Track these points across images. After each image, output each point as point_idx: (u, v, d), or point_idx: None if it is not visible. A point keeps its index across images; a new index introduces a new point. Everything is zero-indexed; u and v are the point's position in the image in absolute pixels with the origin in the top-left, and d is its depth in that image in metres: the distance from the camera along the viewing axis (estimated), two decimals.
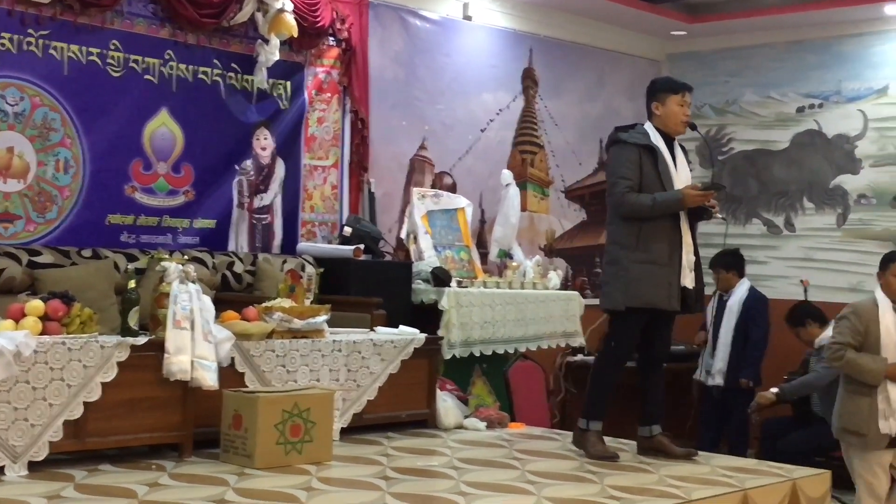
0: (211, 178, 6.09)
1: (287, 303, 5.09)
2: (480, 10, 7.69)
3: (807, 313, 6.94)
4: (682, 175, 5.04)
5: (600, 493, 4.09)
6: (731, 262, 7.65)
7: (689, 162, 5.23)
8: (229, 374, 4.67)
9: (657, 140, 4.99)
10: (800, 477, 4.59)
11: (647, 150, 4.94)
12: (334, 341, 5.16)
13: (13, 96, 5.29)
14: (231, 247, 6.18)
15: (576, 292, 7.36)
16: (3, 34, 5.26)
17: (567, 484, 4.27)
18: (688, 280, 4.96)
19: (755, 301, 7.63)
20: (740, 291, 7.56)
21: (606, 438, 5.00)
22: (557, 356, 7.93)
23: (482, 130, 7.78)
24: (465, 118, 7.64)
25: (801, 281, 7.96)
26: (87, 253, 5.36)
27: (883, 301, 5.41)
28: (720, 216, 5.22)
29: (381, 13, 7.04)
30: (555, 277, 7.23)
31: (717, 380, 7.52)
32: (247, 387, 4.76)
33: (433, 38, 7.40)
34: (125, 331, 4.44)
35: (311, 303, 5.25)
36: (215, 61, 6.10)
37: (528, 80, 8.14)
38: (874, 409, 5.25)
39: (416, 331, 5.66)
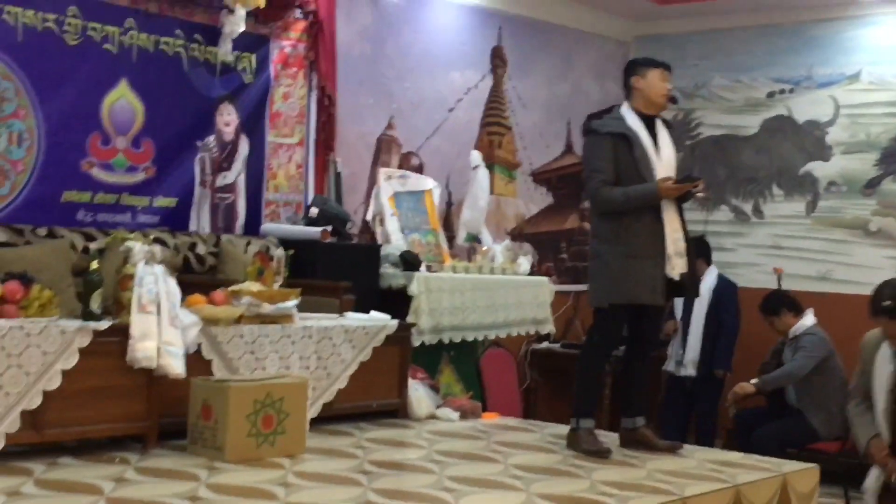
0: (172, 155, 5.81)
1: (256, 286, 4.88)
2: None
3: (782, 302, 6.86)
4: (666, 157, 4.82)
5: (591, 490, 3.94)
6: (698, 250, 7.52)
7: (673, 138, 5.04)
8: (195, 362, 4.44)
9: (634, 124, 4.78)
10: (789, 472, 4.49)
11: (621, 139, 4.74)
12: (305, 327, 4.95)
13: None
14: (192, 227, 5.92)
15: (546, 278, 7.21)
16: None
17: (555, 479, 4.12)
18: (677, 268, 4.75)
19: (725, 288, 7.55)
20: (709, 279, 7.47)
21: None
22: (523, 343, 7.80)
23: (450, 110, 7.59)
24: (432, 97, 7.44)
25: (774, 269, 7.89)
26: (42, 231, 5.06)
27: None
28: (703, 195, 5.03)
29: None
30: (525, 263, 7.08)
31: (690, 370, 7.45)
32: (214, 375, 4.54)
33: (401, 13, 7.18)
34: (87, 315, 4.21)
35: (281, 286, 5.04)
36: (178, 31, 5.82)
37: (497, 59, 7.96)
38: None
39: (388, 317, 5.48)
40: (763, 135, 8.55)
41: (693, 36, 8.86)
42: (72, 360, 4.05)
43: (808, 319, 6.72)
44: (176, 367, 4.25)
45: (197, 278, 5.44)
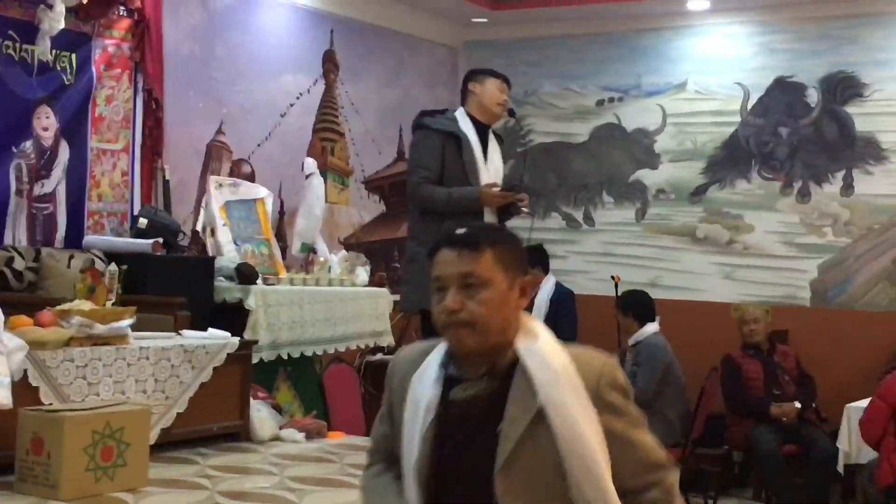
0: None
1: (87, 305, 4.52)
2: None
3: (632, 303, 6.77)
4: (493, 167, 4.72)
5: None
6: (535, 259, 7.47)
7: (503, 153, 4.94)
8: (21, 390, 4.03)
9: (467, 127, 4.66)
10: None
11: (452, 138, 4.61)
12: (141, 348, 4.61)
13: None
14: (8, 240, 5.46)
15: (384, 289, 7.03)
16: None
17: None
18: None
19: (562, 296, 7.54)
20: (547, 288, 7.44)
21: None
22: (357, 355, 7.60)
23: (282, 115, 7.32)
24: (264, 101, 7.16)
25: (613, 277, 7.94)
26: None
27: None
28: (526, 211, 4.89)
29: None
30: (363, 273, 6.87)
31: None
32: (43, 403, 4.16)
33: (232, 13, 6.87)
34: None
35: (114, 304, 4.68)
36: None
37: (329, 64, 7.73)
38: None
39: (227, 334, 5.18)
40: (593, 142, 8.63)
41: (523, 43, 8.86)
42: None
43: (650, 327, 6.74)
44: (2, 397, 3.85)
45: (15, 296, 5.00)
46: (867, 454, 5.93)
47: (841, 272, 7.76)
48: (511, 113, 4.83)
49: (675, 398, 6.58)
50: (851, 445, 6.00)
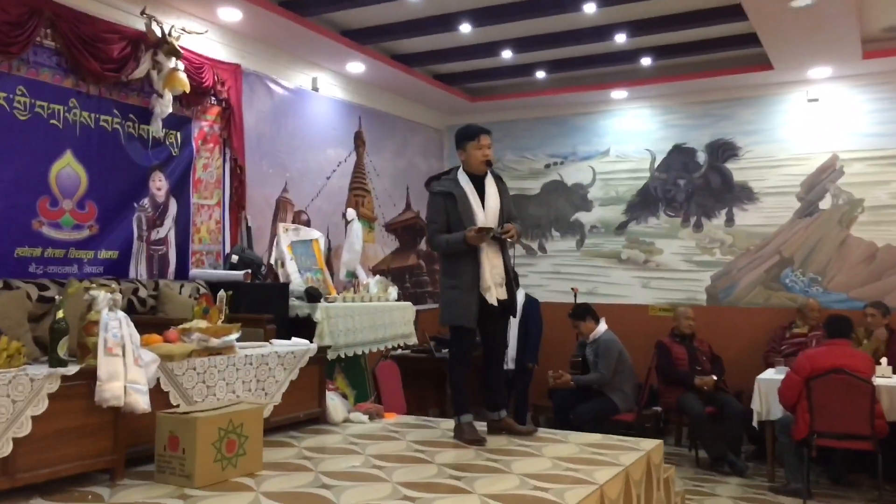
0: (113, 214, 4.55)
1: (202, 323, 3.73)
2: (324, 83, 6.51)
3: (587, 311, 6.26)
4: (491, 207, 4.00)
5: (521, 486, 3.06)
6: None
7: (503, 190, 4.20)
8: (155, 394, 3.26)
9: (464, 182, 3.99)
10: (650, 448, 3.77)
11: (450, 196, 3.96)
12: (246, 356, 3.84)
13: None
14: (132, 274, 4.66)
15: (409, 303, 6.29)
16: None
17: (487, 476, 3.19)
18: (495, 295, 3.95)
19: (530, 303, 6.93)
20: (520, 297, 6.78)
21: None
22: (385, 352, 6.85)
23: (327, 178, 6.57)
24: (315, 167, 6.41)
25: (572, 289, 7.32)
26: None
27: None
28: (511, 241, 4.17)
29: (251, 80, 5.71)
30: (393, 291, 6.14)
31: (510, 365, 6.73)
32: (171, 404, 3.37)
33: (290, 103, 6.14)
34: (54, 361, 2.96)
35: (223, 322, 3.90)
36: (115, 111, 4.58)
37: (359, 140, 7.01)
38: None
39: (307, 342, 4.42)
40: (543, 194, 8.01)
41: (492, 125, 7.99)
42: (42, 406, 2.81)
43: (602, 326, 6.15)
44: (142, 403, 3.07)
45: (140, 318, 4.18)
46: (775, 412, 5.34)
47: (727, 280, 7.19)
48: (488, 164, 4.09)
49: (628, 376, 5.96)
50: (762, 407, 5.40)
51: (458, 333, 3.98)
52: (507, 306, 4.07)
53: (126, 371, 3.05)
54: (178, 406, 3.39)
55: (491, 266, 3.96)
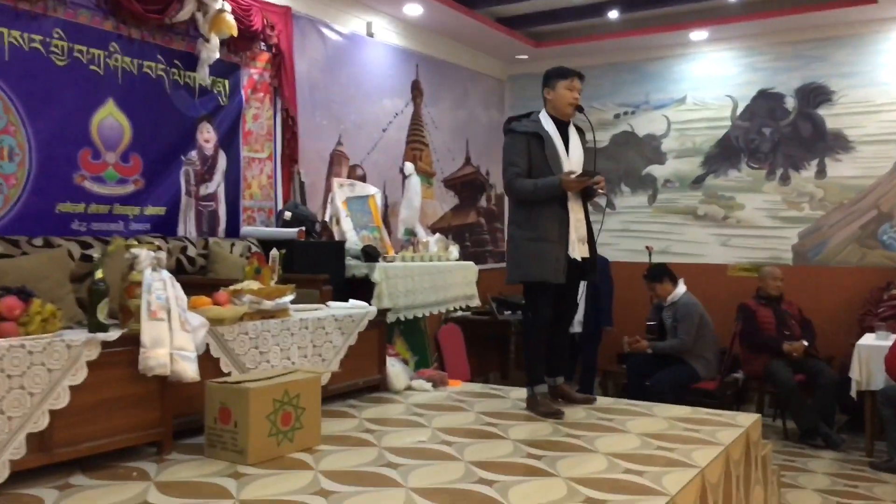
0: (159, 168, 4.30)
1: (255, 284, 3.45)
2: (380, 28, 6.12)
3: (663, 272, 5.82)
4: (575, 156, 3.68)
5: (610, 468, 2.72)
6: None
7: (585, 143, 3.84)
8: (204, 361, 2.99)
9: (548, 126, 3.65)
10: (749, 425, 3.38)
11: (535, 137, 3.60)
12: (301, 319, 3.55)
13: None
14: (181, 232, 4.42)
15: (472, 263, 5.96)
16: None
17: (572, 456, 2.85)
18: (577, 252, 3.61)
19: (601, 263, 6.34)
20: None
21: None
22: (444, 314, 6.55)
23: (384, 130, 6.23)
24: (370, 119, 6.07)
25: (647, 247, 6.87)
26: (38, 242, 3.49)
27: None
28: (602, 192, 3.81)
29: (303, 24, 5.37)
30: (454, 250, 5.81)
31: (577, 328, 6.34)
32: (222, 372, 3.12)
33: (344, 49, 5.78)
34: (93, 325, 2.71)
35: (276, 283, 3.62)
36: (159, 56, 4.30)
37: (416, 90, 6.63)
38: None
39: (366, 304, 4.12)
40: (612, 146, 7.52)
41: None
42: (80, 376, 2.57)
43: (681, 288, 5.71)
44: (190, 370, 2.82)
45: (189, 279, 3.96)
46: (877, 382, 4.87)
47: (817, 237, 6.64)
48: (580, 109, 3.73)
49: (710, 341, 5.53)
50: (862, 375, 4.93)
51: (538, 293, 3.61)
52: (590, 266, 3.70)
53: (172, 336, 2.79)
54: (229, 374, 3.14)
55: (576, 219, 3.64)
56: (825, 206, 6.59)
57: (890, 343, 4.92)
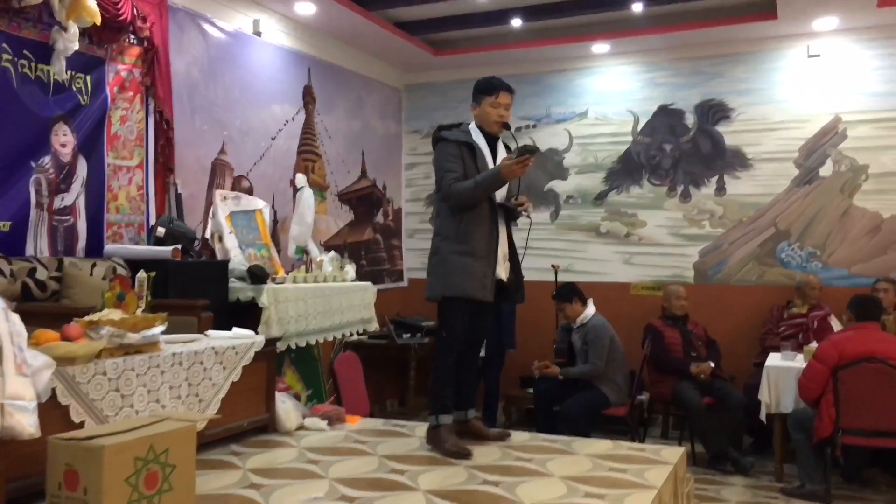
0: (4, 176, 3.68)
1: (116, 314, 2.93)
2: (268, 27, 5.66)
3: (573, 291, 5.61)
4: None
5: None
6: None
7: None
8: (49, 410, 2.47)
9: (478, 138, 3.43)
10: (676, 461, 3.15)
11: (467, 147, 3.38)
12: (173, 354, 3.06)
13: None
14: (30, 251, 3.80)
15: (370, 283, 5.55)
16: None
17: None
18: (503, 271, 3.42)
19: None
20: None
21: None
22: (339, 340, 6.10)
23: (272, 139, 5.75)
24: (258, 126, 5.58)
25: (553, 265, 6.67)
26: None
27: None
28: (526, 215, 3.58)
29: (180, 17, 4.85)
30: (351, 270, 5.39)
31: (482, 351, 6.04)
32: (73, 423, 2.59)
33: (228, 48, 5.28)
34: None
35: (144, 311, 3.11)
36: (5, 45, 3.69)
37: (308, 97, 6.19)
38: None
39: (252, 333, 3.66)
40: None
41: (453, 84, 7.48)
42: None
43: (591, 309, 5.52)
44: (28, 425, 2.28)
45: (39, 307, 3.41)
46: (786, 405, 4.81)
47: (718, 255, 6.64)
48: (506, 126, 3.46)
49: (620, 364, 5.35)
50: (771, 398, 4.85)
51: (456, 310, 3.32)
52: (515, 288, 3.45)
53: (4, 383, 2.25)
54: (81, 425, 2.61)
55: (504, 235, 3.47)
56: (725, 223, 6.61)
57: (796, 363, 4.88)
